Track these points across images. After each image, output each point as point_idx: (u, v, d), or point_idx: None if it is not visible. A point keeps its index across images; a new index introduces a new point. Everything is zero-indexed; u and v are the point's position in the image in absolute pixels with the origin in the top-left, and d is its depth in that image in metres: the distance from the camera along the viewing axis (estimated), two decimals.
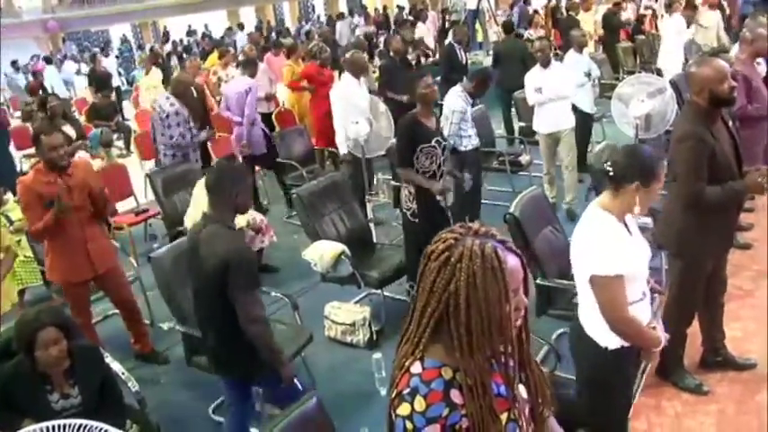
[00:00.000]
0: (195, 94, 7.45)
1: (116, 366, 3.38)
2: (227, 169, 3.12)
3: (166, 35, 26.71)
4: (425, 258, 1.46)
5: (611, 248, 2.42)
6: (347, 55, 6.41)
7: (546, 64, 6.04)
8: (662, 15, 13.89)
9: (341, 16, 21.05)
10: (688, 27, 9.14)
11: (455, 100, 5.46)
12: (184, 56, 18.97)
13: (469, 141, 5.51)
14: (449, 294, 1.40)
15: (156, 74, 11.53)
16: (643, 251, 2.57)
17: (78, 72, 18.13)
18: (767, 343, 3.92)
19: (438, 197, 4.42)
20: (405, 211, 4.54)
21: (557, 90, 5.97)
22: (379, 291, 4.77)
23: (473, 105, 5.78)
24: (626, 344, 2.54)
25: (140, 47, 25.70)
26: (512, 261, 1.43)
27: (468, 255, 1.39)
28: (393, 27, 16.07)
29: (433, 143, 4.37)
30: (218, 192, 2.98)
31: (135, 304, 4.55)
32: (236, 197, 2.98)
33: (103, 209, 4.23)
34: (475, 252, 1.39)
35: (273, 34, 19.91)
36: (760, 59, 5.06)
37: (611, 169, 2.50)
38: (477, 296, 1.38)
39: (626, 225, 2.52)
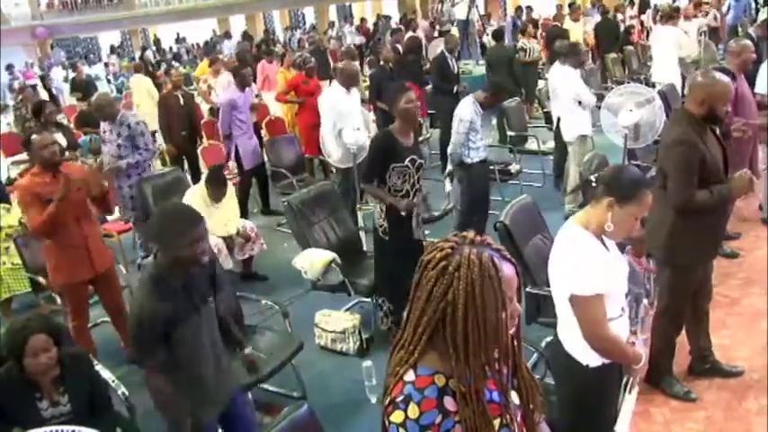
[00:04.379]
0: (182, 102, 7.48)
1: (105, 374, 3.37)
2: (171, 217, 2.63)
3: (157, 42, 26.66)
4: (421, 267, 1.46)
5: (589, 268, 2.37)
6: (339, 65, 6.42)
7: (579, 66, 6.44)
8: (650, 27, 14.05)
9: (227, 35, 21.35)
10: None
11: (465, 109, 5.31)
12: (174, 63, 19.00)
13: (477, 154, 5.36)
14: (446, 303, 1.41)
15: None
16: (620, 267, 2.52)
17: (66, 79, 18.06)
18: (754, 350, 3.97)
19: (403, 213, 4.15)
20: (377, 227, 4.32)
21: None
22: (369, 299, 4.77)
23: None
24: (607, 361, 2.51)
25: (118, 54, 25.63)
26: (507, 270, 1.44)
27: (466, 263, 1.40)
28: (384, 37, 16.09)
29: (406, 162, 4.10)
30: (164, 244, 2.56)
31: (125, 309, 4.56)
32: (185, 249, 2.51)
33: (105, 197, 4.29)
34: (473, 261, 1.40)
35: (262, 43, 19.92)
36: None
37: (594, 179, 2.48)
38: (474, 304, 1.39)
39: (603, 241, 2.46)
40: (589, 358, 2.50)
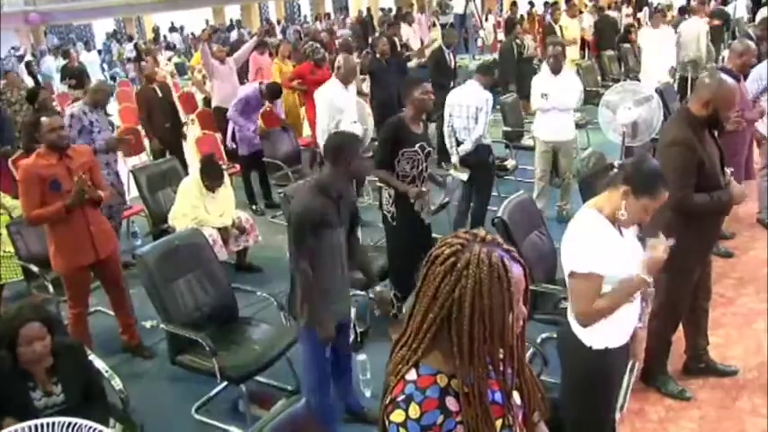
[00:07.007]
0: (160, 93, 7.37)
1: (99, 364, 3.35)
2: (345, 139, 3.34)
3: (155, 31, 26.48)
4: (429, 262, 1.44)
5: (590, 246, 2.41)
6: (339, 58, 6.32)
7: (557, 71, 5.98)
8: (645, 24, 14.04)
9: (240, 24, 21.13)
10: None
11: (482, 92, 5.49)
12: (164, 52, 18.85)
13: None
14: (453, 300, 1.38)
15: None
16: (632, 254, 2.52)
17: (58, 68, 17.87)
18: (748, 350, 3.98)
19: (412, 200, 4.30)
20: (385, 213, 4.47)
21: (560, 100, 5.95)
22: (363, 292, 4.75)
23: None
24: (611, 345, 2.53)
25: (118, 41, 25.50)
26: (516, 271, 1.41)
27: (476, 261, 1.37)
28: (378, 29, 16.02)
29: (416, 148, 4.28)
30: (335, 160, 3.17)
31: (127, 293, 4.58)
32: (350, 166, 3.18)
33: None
34: (482, 259, 1.38)
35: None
36: None
37: (617, 165, 2.52)
38: (482, 303, 1.36)
39: (619, 228, 2.49)
40: (593, 340, 2.53)
